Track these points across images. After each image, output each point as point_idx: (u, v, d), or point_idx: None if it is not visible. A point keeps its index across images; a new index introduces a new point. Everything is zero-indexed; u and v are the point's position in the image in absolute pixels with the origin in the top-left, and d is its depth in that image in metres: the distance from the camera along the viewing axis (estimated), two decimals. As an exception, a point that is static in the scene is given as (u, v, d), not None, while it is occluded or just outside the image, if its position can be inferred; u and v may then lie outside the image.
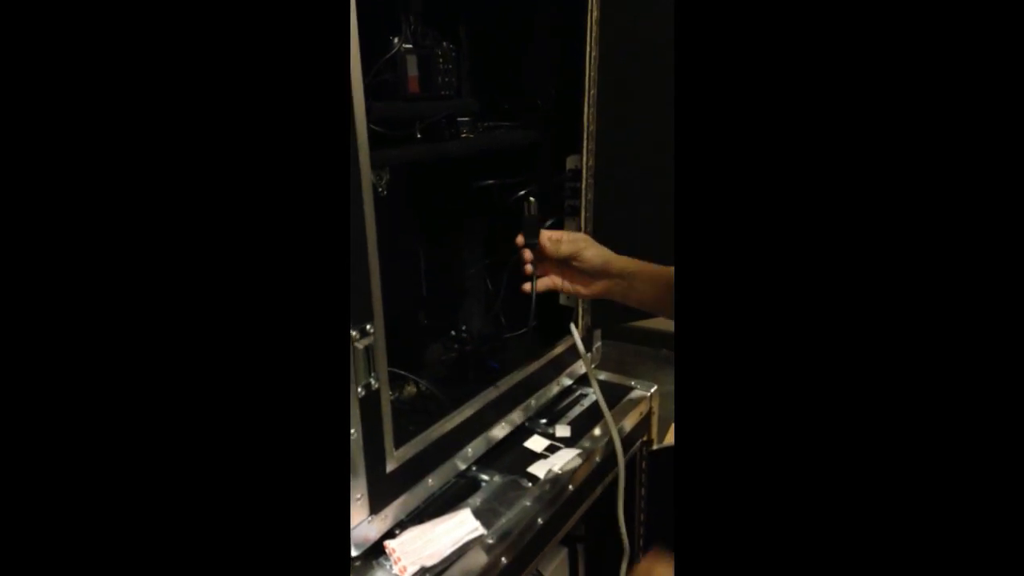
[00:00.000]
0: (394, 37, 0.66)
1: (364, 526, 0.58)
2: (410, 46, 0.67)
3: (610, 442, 0.77)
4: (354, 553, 0.58)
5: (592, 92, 0.79)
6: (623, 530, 0.80)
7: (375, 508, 0.59)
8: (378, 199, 0.68)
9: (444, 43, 0.71)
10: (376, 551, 0.60)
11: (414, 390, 0.86)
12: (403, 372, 0.76)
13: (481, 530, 0.62)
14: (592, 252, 0.67)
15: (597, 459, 0.76)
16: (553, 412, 0.84)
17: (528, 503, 0.66)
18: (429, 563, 0.58)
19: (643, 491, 0.91)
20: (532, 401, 0.81)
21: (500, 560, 0.60)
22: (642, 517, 0.91)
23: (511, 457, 0.75)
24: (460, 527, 0.62)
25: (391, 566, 0.58)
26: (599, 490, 0.78)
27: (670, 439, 1.16)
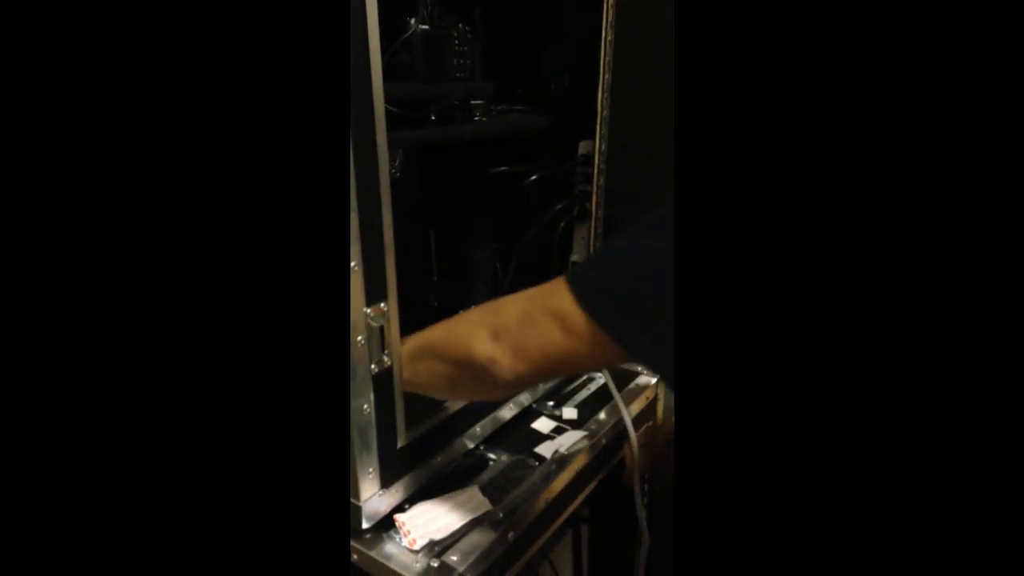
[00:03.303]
0: (411, 18, 0.66)
1: (375, 500, 0.60)
2: (426, 27, 0.67)
3: (615, 425, 0.78)
4: (365, 525, 0.60)
5: (607, 77, 0.79)
6: (641, 511, 0.81)
7: (386, 483, 0.60)
8: (391, 181, 0.69)
9: (460, 25, 0.71)
10: (386, 524, 0.61)
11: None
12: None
13: (489, 506, 0.63)
14: None
15: (603, 441, 0.77)
16: (560, 395, 0.85)
17: (535, 481, 0.68)
18: (438, 536, 0.59)
19: (647, 475, 0.92)
20: (540, 384, 0.82)
21: (508, 535, 0.61)
22: (645, 501, 0.92)
23: (518, 437, 0.76)
24: (469, 503, 0.63)
25: (400, 539, 0.60)
26: (604, 472, 0.79)
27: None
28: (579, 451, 0.73)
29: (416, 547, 0.58)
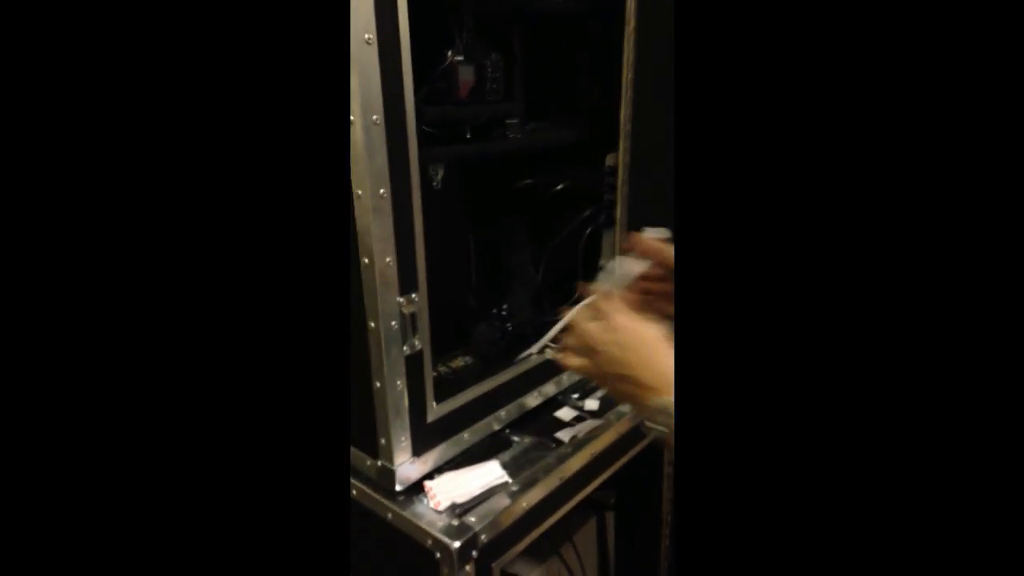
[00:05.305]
0: (449, 51, 0.77)
1: (407, 466, 0.69)
2: (461, 58, 0.77)
3: (634, 416, 0.84)
4: (398, 488, 0.69)
5: (629, 93, 0.86)
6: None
7: (417, 451, 0.69)
8: (434, 192, 0.80)
9: (493, 54, 0.81)
10: (417, 489, 0.70)
11: (462, 363, 0.96)
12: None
13: (506, 478, 0.71)
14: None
15: (620, 430, 0.83)
16: (585, 387, 0.91)
17: (551, 461, 0.75)
18: (459, 500, 0.68)
19: (670, 466, 0.96)
20: (565, 376, 0.89)
21: (521, 505, 0.69)
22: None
23: (541, 424, 0.83)
24: (489, 474, 0.71)
25: (428, 501, 0.68)
26: (624, 459, 0.85)
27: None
28: (596, 437, 0.79)
29: (440, 508, 0.67)
